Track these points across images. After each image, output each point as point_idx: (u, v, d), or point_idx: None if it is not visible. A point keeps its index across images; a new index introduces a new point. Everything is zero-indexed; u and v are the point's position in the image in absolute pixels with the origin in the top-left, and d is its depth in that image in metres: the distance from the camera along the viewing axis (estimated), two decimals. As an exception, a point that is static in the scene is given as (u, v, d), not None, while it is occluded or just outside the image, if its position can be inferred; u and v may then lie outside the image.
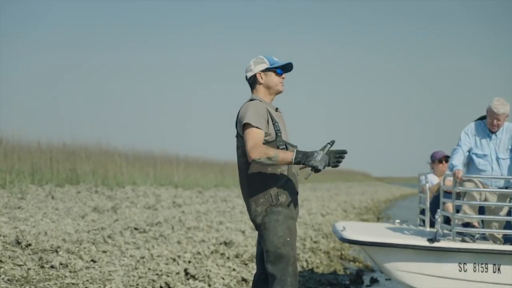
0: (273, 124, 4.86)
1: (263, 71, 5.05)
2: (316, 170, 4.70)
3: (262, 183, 4.85)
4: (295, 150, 4.72)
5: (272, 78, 5.05)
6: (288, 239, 4.81)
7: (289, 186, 4.88)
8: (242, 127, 4.80)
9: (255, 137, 4.73)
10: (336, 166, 4.82)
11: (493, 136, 8.04)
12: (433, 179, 9.78)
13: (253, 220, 4.90)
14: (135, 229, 11.23)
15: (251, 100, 4.98)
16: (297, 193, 4.97)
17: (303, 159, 4.68)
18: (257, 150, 4.67)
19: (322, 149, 4.82)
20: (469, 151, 8.14)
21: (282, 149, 4.81)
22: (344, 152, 4.84)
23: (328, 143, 4.86)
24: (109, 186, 18.08)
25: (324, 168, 4.72)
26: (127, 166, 21.33)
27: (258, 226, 4.87)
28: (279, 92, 5.08)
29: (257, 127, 4.76)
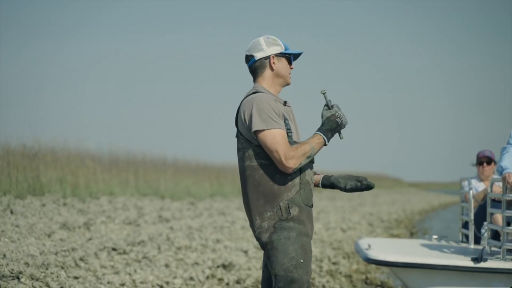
0: (284, 122, 4.90)
1: (277, 55, 5.09)
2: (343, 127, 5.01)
3: (269, 192, 4.87)
4: (319, 132, 4.90)
5: (285, 66, 5.07)
6: (302, 260, 4.83)
7: (302, 196, 4.91)
8: (254, 132, 4.81)
9: (280, 142, 4.77)
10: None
11: (552, 131, 8.06)
12: (478, 185, 9.81)
13: (258, 238, 4.92)
14: (113, 249, 11.27)
15: (255, 92, 4.99)
16: (312, 205, 5.01)
17: (333, 132, 4.93)
18: (293, 157, 4.76)
19: (328, 106, 5.01)
20: (522, 150, 8.16)
21: None
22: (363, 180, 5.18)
23: (322, 93, 5.03)
24: (81, 197, 18.12)
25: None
26: (102, 172, 21.35)
27: (264, 245, 4.90)
28: (287, 84, 5.13)
29: (276, 128, 4.80)
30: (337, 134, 4.98)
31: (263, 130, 4.77)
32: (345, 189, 5.17)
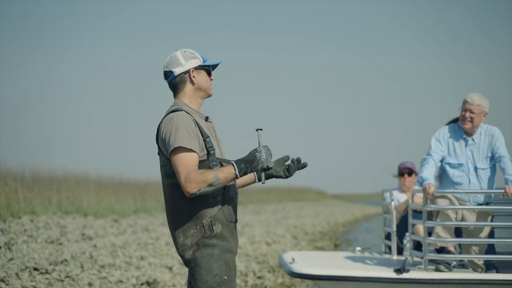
0: (204, 140, 4.83)
1: (196, 68, 5.03)
2: (267, 169, 4.78)
3: (191, 210, 4.81)
4: (233, 162, 4.74)
5: (205, 78, 5.03)
6: (226, 277, 4.79)
7: (225, 213, 4.86)
8: (169, 152, 4.76)
9: (187, 164, 4.70)
10: (289, 175, 4.98)
11: (470, 141, 8.15)
12: (400, 197, 9.91)
13: (181, 255, 4.86)
14: (35, 269, 11.07)
15: (174, 110, 4.92)
16: (235, 221, 4.97)
17: (248, 167, 4.75)
18: (192, 181, 4.65)
19: (259, 143, 4.87)
20: (441, 161, 8.27)
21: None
22: (304, 166, 5.01)
23: (257, 130, 4.92)
24: (1, 217, 17.78)
25: (274, 166, 4.90)
26: (24, 191, 20.97)
27: (187, 263, 4.84)
28: (209, 96, 5.08)
29: (188, 150, 4.73)
30: (261, 175, 4.90)
31: (174, 149, 4.71)
32: (286, 177, 5.05)
